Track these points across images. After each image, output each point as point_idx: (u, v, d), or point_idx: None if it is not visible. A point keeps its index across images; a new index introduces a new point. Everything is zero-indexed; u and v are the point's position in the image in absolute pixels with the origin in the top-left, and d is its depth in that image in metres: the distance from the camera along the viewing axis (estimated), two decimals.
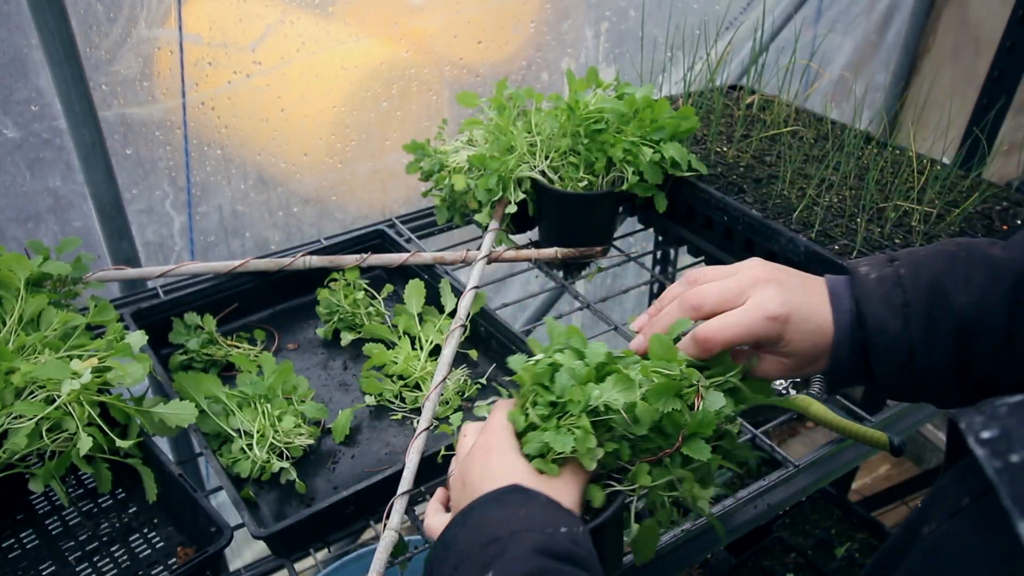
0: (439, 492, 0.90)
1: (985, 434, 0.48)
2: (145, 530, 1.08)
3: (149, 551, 1.06)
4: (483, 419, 0.87)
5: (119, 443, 1.00)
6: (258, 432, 1.12)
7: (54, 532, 1.09)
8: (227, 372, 1.30)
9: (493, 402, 0.88)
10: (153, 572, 1.03)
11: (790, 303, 0.81)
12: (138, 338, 1.08)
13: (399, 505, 1.00)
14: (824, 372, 0.84)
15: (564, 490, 0.76)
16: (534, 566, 0.64)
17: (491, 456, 0.79)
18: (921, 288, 0.79)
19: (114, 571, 1.04)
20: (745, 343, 0.83)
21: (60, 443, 0.99)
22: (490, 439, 0.80)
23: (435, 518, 0.83)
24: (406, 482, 1.01)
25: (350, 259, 1.42)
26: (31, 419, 0.96)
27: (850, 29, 2.62)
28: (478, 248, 1.41)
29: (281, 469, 1.10)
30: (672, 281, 1.99)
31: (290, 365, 1.21)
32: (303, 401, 1.20)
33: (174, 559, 1.04)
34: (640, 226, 1.61)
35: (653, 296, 2.25)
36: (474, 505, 0.73)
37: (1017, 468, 0.45)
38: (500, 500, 0.73)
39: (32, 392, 0.99)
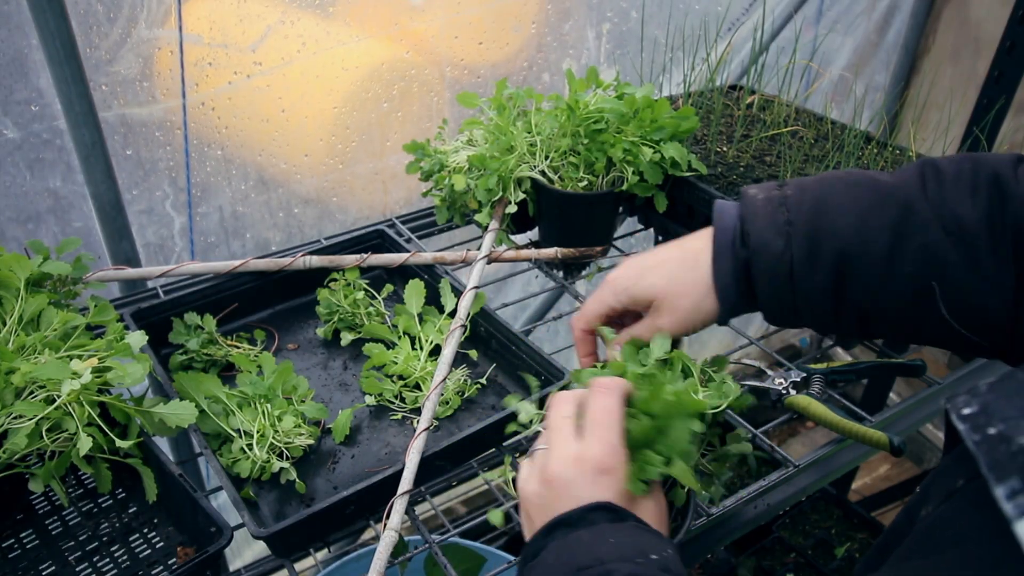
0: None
1: (966, 410, 0.50)
2: (145, 530, 1.08)
3: (149, 551, 1.06)
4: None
5: (119, 443, 1.00)
6: (258, 432, 1.12)
7: (54, 532, 1.09)
8: (227, 372, 1.30)
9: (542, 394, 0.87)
10: (153, 572, 1.03)
11: (633, 262, 0.89)
12: (138, 338, 1.08)
13: (399, 505, 1.00)
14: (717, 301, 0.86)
15: (652, 506, 0.75)
16: None
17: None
18: (805, 208, 0.80)
19: (114, 571, 1.04)
20: (605, 313, 0.92)
21: (60, 443, 0.99)
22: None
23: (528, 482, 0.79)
24: (406, 482, 1.01)
25: (350, 259, 1.42)
26: (31, 419, 0.96)
27: (850, 29, 2.62)
28: (478, 248, 1.41)
29: (281, 469, 1.10)
30: None
31: (290, 365, 1.21)
32: (303, 401, 1.20)
33: (174, 559, 1.04)
34: (640, 226, 1.61)
35: None
36: (561, 521, 0.70)
37: (994, 439, 0.48)
38: (587, 519, 0.70)
39: (32, 392, 0.99)
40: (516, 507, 0.92)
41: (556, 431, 0.76)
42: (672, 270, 0.88)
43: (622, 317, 0.95)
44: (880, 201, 0.78)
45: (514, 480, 0.81)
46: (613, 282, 0.92)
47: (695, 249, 0.88)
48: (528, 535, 0.74)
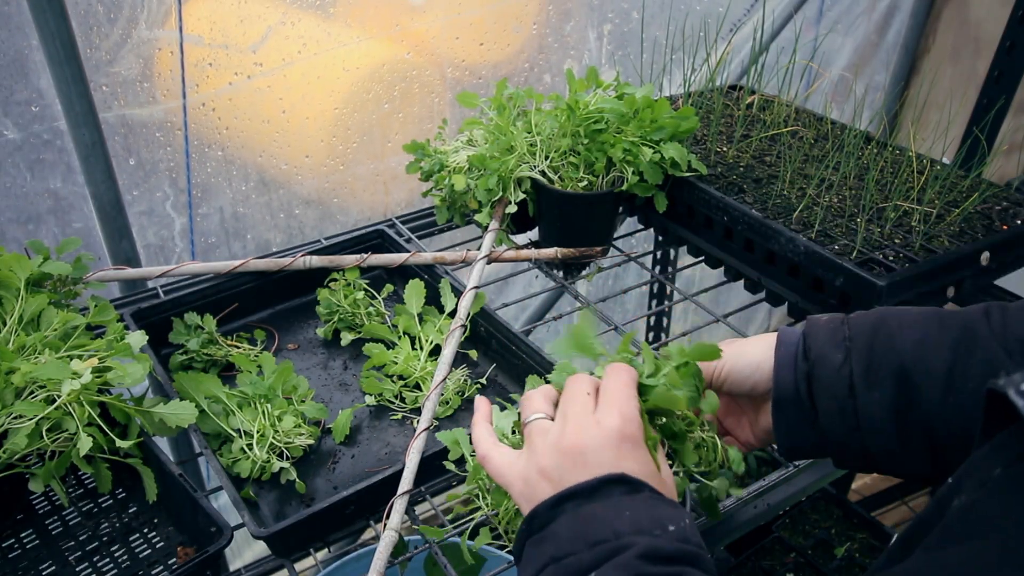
0: (483, 406, 0.85)
1: None
2: (145, 530, 1.08)
3: (149, 551, 1.06)
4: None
5: (119, 443, 1.00)
6: (258, 432, 1.12)
7: (54, 532, 1.09)
8: (227, 372, 1.30)
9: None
10: (153, 572, 1.03)
11: (734, 350, 0.87)
12: (138, 338, 1.08)
13: (399, 505, 1.00)
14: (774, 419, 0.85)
15: (665, 475, 0.74)
16: (641, 573, 0.62)
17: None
18: (865, 326, 0.81)
19: (114, 571, 1.04)
20: None
21: (60, 443, 0.99)
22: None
23: (494, 449, 0.79)
24: (406, 482, 1.01)
25: (350, 259, 1.43)
26: (31, 419, 0.96)
27: (851, 29, 2.62)
28: (478, 248, 1.41)
29: (281, 469, 1.10)
30: (672, 281, 1.99)
31: (290, 365, 1.21)
32: (303, 401, 1.20)
33: (174, 559, 1.04)
34: (640, 226, 1.61)
35: (653, 296, 2.25)
36: (573, 493, 0.68)
37: None
38: (602, 491, 0.68)
39: (32, 392, 0.99)
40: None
41: (573, 402, 0.75)
42: (740, 347, 0.89)
43: None
44: (940, 323, 0.79)
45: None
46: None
47: (759, 352, 0.88)
48: (527, 507, 0.72)
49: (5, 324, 1.08)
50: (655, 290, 2.22)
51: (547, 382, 0.84)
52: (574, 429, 0.72)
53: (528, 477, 0.73)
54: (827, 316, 0.85)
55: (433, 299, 1.35)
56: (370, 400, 1.24)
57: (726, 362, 0.86)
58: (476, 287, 1.30)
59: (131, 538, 1.07)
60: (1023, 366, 0.53)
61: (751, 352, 0.87)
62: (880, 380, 0.78)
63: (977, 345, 0.76)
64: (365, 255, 1.43)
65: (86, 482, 1.16)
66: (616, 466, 0.69)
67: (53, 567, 1.04)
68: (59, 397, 0.98)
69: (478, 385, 1.26)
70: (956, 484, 0.61)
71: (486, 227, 1.42)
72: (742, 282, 1.41)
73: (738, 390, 0.88)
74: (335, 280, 1.40)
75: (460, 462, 0.98)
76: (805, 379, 0.82)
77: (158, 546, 1.06)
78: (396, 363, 1.25)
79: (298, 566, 1.05)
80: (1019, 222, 1.28)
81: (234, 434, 1.13)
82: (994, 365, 0.75)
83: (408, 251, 1.46)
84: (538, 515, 0.69)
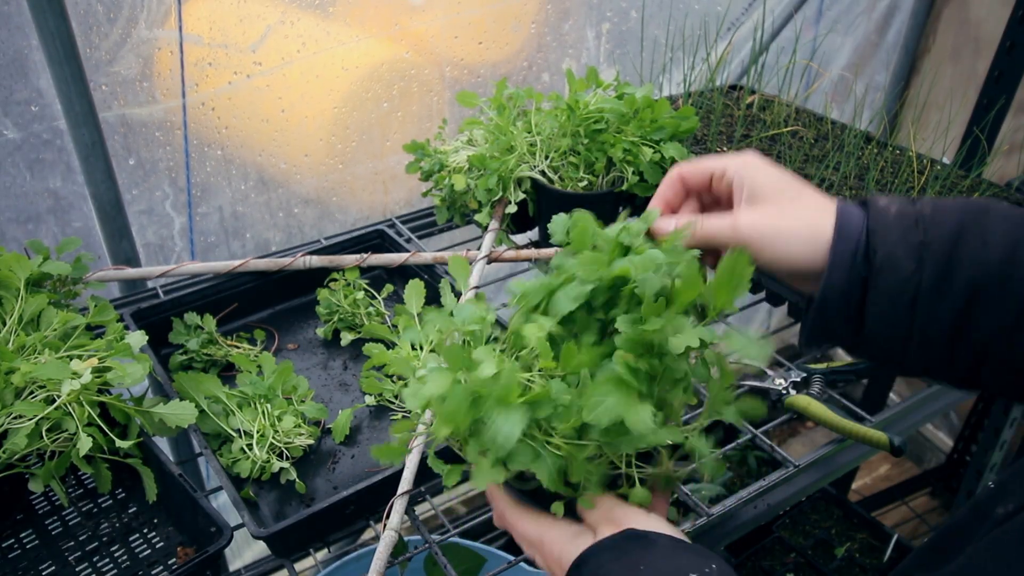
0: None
1: None
2: (145, 530, 1.08)
3: (149, 551, 1.06)
4: None
5: (119, 443, 1.00)
6: (258, 432, 1.12)
7: (54, 532, 1.09)
8: (227, 372, 1.30)
9: None
10: (153, 572, 1.03)
11: (770, 225, 0.76)
12: (138, 338, 1.08)
13: (399, 505, 1.00)
14: (806, 311, 0.78)
15: (671, 524, 0.71)
16: None
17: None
18: (946, 231, 0.71)
19: (114, 571, 1.04)
20: (714, 174, 0.82)
21: (60, 443, 0.99)
22: None
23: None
24: (406, 482, 1.01)
25: (350, 259, 1.42)
26: (31, 419, 0.96)
27: (850, 29, 2.61)
28: (478, 248, 1.41)
29: (281, 469, 1.10)
30: None
31: (290, 365, 1.21)
32: (303, 401, 1.20)
33: (174, 559, 1.04)
34: None
35: None
36: (587, 556, 0.66)
37: None
38: (617, 548, 0.65)
39: (32, 392, 0.99)
40: None
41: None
42: (792, 225, 0.77)
43: (711, 196, 0.87)
44: None
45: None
46: (744, 167, 0.80)
47: (819, 230, 0.76)
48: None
49: (5, 324, 1.08)
50: None
51: None
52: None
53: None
54: (896, 206, 0.74)
55: (433, 299, 1.35)
56: (370, 400, 1.24)
57: (771, 244, 0.76)
58: (476, 287, 1.30)
59: (131, 538, 1.07)
60: None
61: (796, 242, 0.75)
62: (951, 294, 0.70)
63: None
64: (365, 255, 1.43)
65: (86, 482, 1.16)
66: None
67: (53, 567, 1.04)
68: (59, 397, 0.98)
69: None
70: (1000, 489, 0.57)
71: (486, 227, 1.42)
72: None
73: (775, 271, 0.78)
74: (335, 280, 1.40)
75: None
76: (860, 285, 0.73)
77: (158, 546, 1.06)
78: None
79: (298, 566, 1.06)
80: None
81: (234, 434, 1.13)
82: None
83: (408, 251, 1.46)
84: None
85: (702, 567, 0.61)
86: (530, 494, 0.75)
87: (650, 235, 0.86)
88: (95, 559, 1.05)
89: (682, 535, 0.68)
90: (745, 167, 0.80)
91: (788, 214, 0.77)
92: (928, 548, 0.63)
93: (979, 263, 0.69)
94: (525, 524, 0.74)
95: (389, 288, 1.42)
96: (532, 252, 1.45)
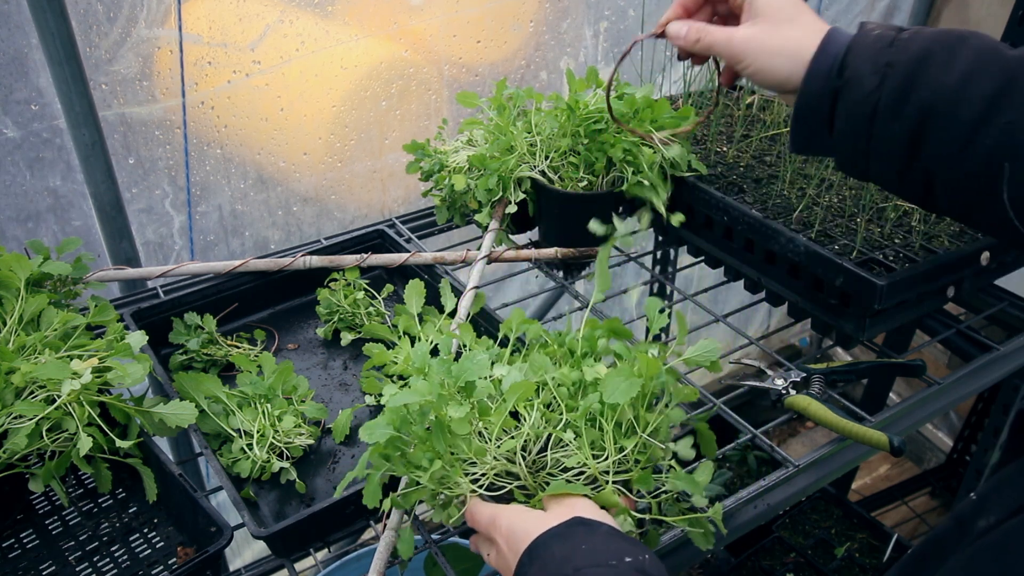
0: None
1: None
2: (145, 530, 1.08)
3: (149, 551, 1.06)
4: None
5: (119, 443, 1.00)
6: (258, 432, 1.12)
7: (54, 532, 1.08)
8: (227, 372, 1.30)
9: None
10: (153, 572, 1.03)
11: (759, 42, 0.87)
12: (138, 338, 1.08)
13: None
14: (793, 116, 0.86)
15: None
16: None
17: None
18: (910, 55, 0.77)
19: (114, 571, 1.04)
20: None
21: (60, 443, 0.99)
22: None
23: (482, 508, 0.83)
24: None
25: (350, 259, 1.42)
26: (31, 419, 0.96)
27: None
28: (478, 248, 1.41)
29: (281, 469, 1.10)
30: (672, 281, 1.99)
31: (290, 365, 1.21)
32: (303, 401, 1.20)
33: (174, 559, 1.04)
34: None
35: (652, 296, 2.25)
36: (538, 542, 0.72)
37: None
38: (562, 535, 0.71)
39: (32, 392, 0.99)
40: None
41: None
42: (780, 43, 0.88)
43: (726, 7, 0.98)
44: (986, 68, 0.74)
45: None
46: None
47: (803, 48, 0.86)
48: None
49: (5, 324, 1.08)
50: (655, 290, 2.22)
51: None
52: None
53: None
54: (881, 30, 0.82)
55: (433, 299, 1.35)
56: (370, 400, 1.24)
57: (756, 58, 0.88)
58: (476, 287, 1.30)
59: (131, 538, 1.07)
60: None
61: (780, 59, 0.86)
62: (904, 114, 0.76)
63: (1014, 101, 0.72)
64: (365, 255, 1.43)
65: (86, 482, 1.16)
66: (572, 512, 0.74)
67: (53, 567, 1.04)
68: (59, 397, 0.98)
69: None
70: (980, 503, 0.59)
71: (486, 227, 1.42)
72: (742, 282, 1.42)
73: (762, 84, 0.89)
74: (335, 280, 1.40)
75: None
76: (831, 95, 0.81)
77: (158, 546, 1.06)
78: (396, 363, 1.25)
79: (298, 566, 1.05)
80: None
81: (234, 434, 1.13)
82: (1018, 129, 0.71)
83: (408, 251, 1.45)
84: (520, 567, 0.73)
85: (637, 554, 0.67)
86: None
87: (662, 35, 1.04)
88: (95, 559, 1.05)
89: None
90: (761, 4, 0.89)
91: (779, 33, 0.87)
92: (912, 559, 0.65)
93: (935, 87, 0.74)
94: (481, 507, 0.82)
95: (389, 288, 1.42)
96: (532, 252, 1.45)
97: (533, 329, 1.02)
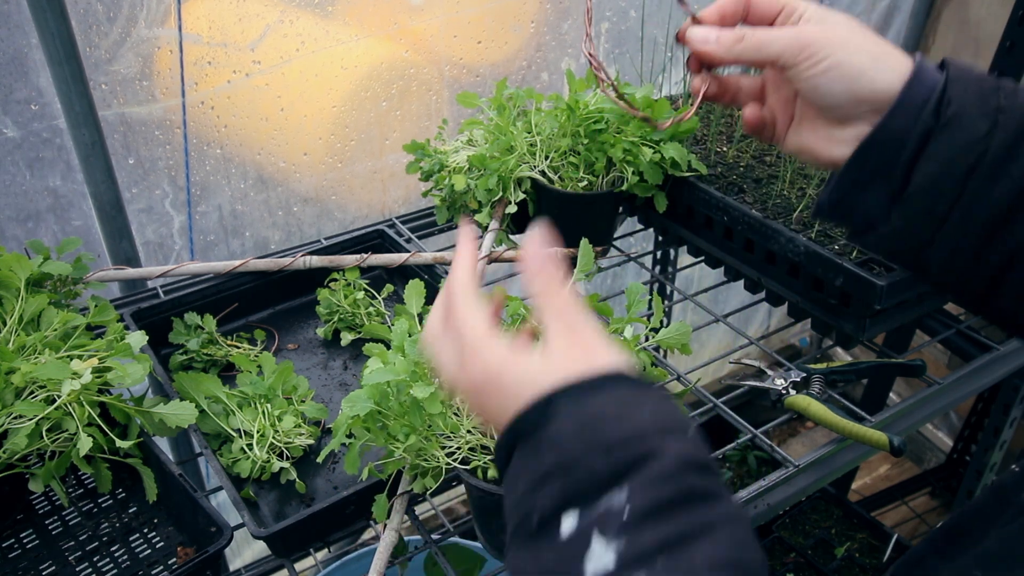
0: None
1: None
2: (145, 530, 1.08)
3: (149, 551, 1.06)
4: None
5: (119, 443, 1.00)
6: (258, 432, 1.12)
7: (54, 532, 1.09)
8: (227, 372, 1.30)
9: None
10: (153, 572, 1.03)
11: (837, 34, 0.66)
12: (138, 338, 1.08)
13: (399, 505, 1.00)
14: (853, 157, 0.67)
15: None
16: (685, 486, 0.48)
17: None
18: (1019, 103, 0.63)
19: (114, 571, 1.04)
20: (755, 62, 0.74)
21: (60, 443, 0.99)
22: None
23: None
24: (406, 482, 1.01)
25: (350, 259, 1.42)
26: (31, 419, 0.96)
27: None
28: (478, 248, 1.41)
29: (281, 469, 1.10)
30: (672, 281, 1.99)
31: (290, 365, 1.21)
32: (303, 401, 1.20)
33: (174, 559, 1.04)
34: (640, 226, 1.61)
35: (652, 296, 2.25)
36: (569, 390, 0.53)
37: None
38: (606, 388, 0.53)
39: (32, 392, 0.99)
40: None
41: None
42: (860, 41, 0.68)
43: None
44: None
45: None
46: (823, 15, 0.71)
47: (891, 57, 0.67)
48: (503, 417, 0.56)
49: (5, 324, 1.08)
50: (655, 290, 2.22)
51: None
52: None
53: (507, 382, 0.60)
54: (978, 71, 0.66)
55: (433, 299, 1.34)
56: None
57: (834, 50, 0.66)
58: None
59: (131, 538, 1.07)
60: None
61: (863, 55, 0.66)
62: (1012, 174, 0.61)
63: None
64: (365, 255, 1.43)
65: (86, 482, 1.16)
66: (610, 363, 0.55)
67: (53, 567, 1.04)
68: (59, 397, 0.98)
69: None
70: (1022, 476, 0.56)
71: (486, 227, 1.42)
72: (742, 282, 1.42)
73: (826, 90, 0.68)
74: (335, 280, 1.40)
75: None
76: (920, 138, 0.63)
77: (158, 546, 1.06)
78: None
79: (298, 566, 1.06)
80: None
81: (234, 434, 1.13)
82: None
83: (408, 251, 1.45)
84: (527, 416, 0.54)
85: (691, 424, 0.53)
86: None
87: (679, 38, 0.83)
88: (95, 559, 1.05)
89: None
90: (823, 15, 0.70)
91: (858, 33, 0.68)
92: (944, 533, 0.60)
93: None
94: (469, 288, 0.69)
95: (389, 288, 1.42)
96: None
97: (513, 306, 0.99)
